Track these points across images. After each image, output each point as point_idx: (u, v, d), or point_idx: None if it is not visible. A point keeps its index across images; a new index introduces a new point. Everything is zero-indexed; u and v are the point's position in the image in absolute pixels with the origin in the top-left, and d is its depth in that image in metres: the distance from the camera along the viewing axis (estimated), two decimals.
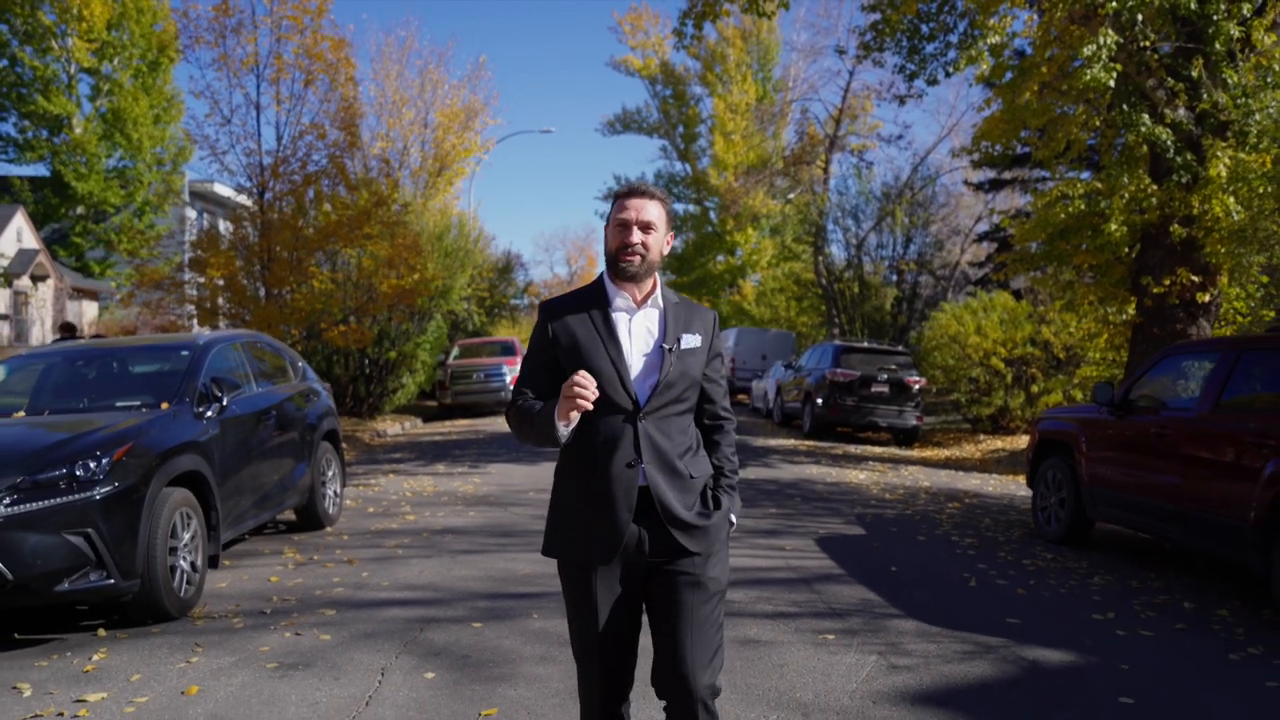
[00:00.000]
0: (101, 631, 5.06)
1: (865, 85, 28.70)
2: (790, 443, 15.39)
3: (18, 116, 30.02)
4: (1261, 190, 8.85)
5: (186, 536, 5.41)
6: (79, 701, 4.01)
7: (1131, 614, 5.40)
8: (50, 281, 28.23)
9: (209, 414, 5.98)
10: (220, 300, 15.43)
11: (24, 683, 4.25)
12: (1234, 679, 4.34)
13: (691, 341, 2.57)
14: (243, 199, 17.02)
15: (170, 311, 15.66)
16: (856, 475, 11.47)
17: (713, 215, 48.11)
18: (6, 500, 4.55)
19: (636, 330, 2.56)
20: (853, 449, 15.07)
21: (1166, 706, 3.97)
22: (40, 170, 31.00)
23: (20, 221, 26.99)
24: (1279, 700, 4.07)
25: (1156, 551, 7.30)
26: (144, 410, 5.73)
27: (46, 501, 4.64)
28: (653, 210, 2.56)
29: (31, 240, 27.46)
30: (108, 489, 4.83)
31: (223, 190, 34.05)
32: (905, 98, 14.29)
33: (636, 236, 2.53)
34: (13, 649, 4.80)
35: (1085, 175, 14.22)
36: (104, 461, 4.87)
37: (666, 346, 2.53)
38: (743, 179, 40.96)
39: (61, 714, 3.88)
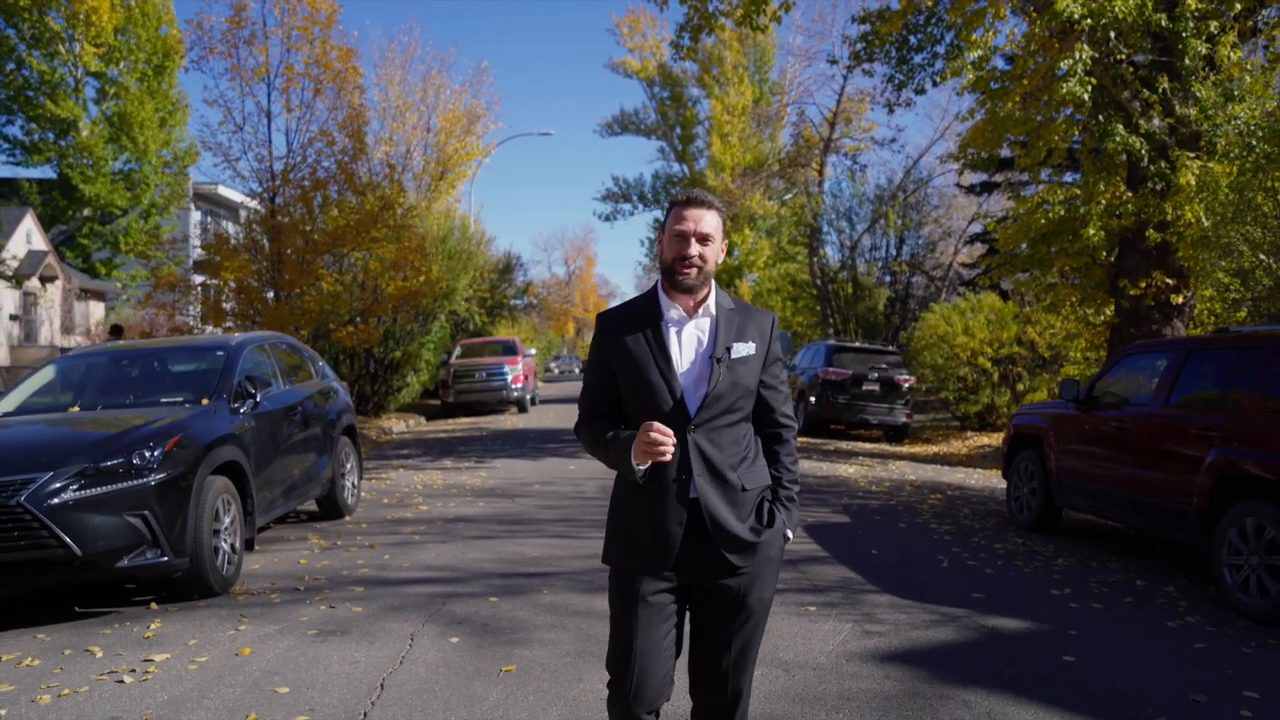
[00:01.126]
0: (154, 605, 5.59)
1: (859, 89, 29.16)
2: None
3: (25, 119, 30.48)
4: (1224, 199, 9.38)
5: (227, 520, 5.95)
6: (147, 661, 4.54)
7: (1087, 590, 5.95)
8: (58, 282, 28.73)
9: (244, 409, 6.51)
10: (231, 302, 15.93)
11: (94, 646, 4.78)
12: (1167, 642, 4.88)
13: (744, 350, 2.54)
14: (250, 202, 17.51)
15: (183, 312, 16.19)
16: (846, 469, 12.02)
17: None
18: (74, 485, 5.08)
19: (687, 340, 2.54)
20: (844, 445, 15.62)
21: (1102, 662, 4.51)
22: (48, 173, 31.47)
23: (29, 223, 27.47)
24: (1202, 657, 4.62)
25: (1120, 538, 7.84)
26: (186, 406, 6.26)
27: (108, 486, 5.17)
28: (711, 221, 2.52)
29: (40, 242, 27.94)
30: (161, 476, 5.36)
31: (226, 192, 34.56)
32: (894, 105, 14.79)
33: (695, 249, 2.50)
34: (77, 620, 5.33)
35: (1073, 177, 14.74)
36: (157, 452, 5.40)
37: (715, 357, 2.50)
38: (740, 180, 41.55)
39: (134, 670, 4.41)
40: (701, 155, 50.70)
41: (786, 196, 34.47)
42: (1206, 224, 9.76)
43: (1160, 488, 6.31)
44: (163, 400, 6.43)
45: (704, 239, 2.51)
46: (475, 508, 8.85)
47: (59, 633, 5.09)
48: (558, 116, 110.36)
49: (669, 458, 2.38)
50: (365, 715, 3.85)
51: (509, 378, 21.52)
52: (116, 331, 15.38)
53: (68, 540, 4.97)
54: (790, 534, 2.64)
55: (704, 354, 2.52)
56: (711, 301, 2.57)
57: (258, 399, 6.64)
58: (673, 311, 2.55)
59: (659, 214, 52.65)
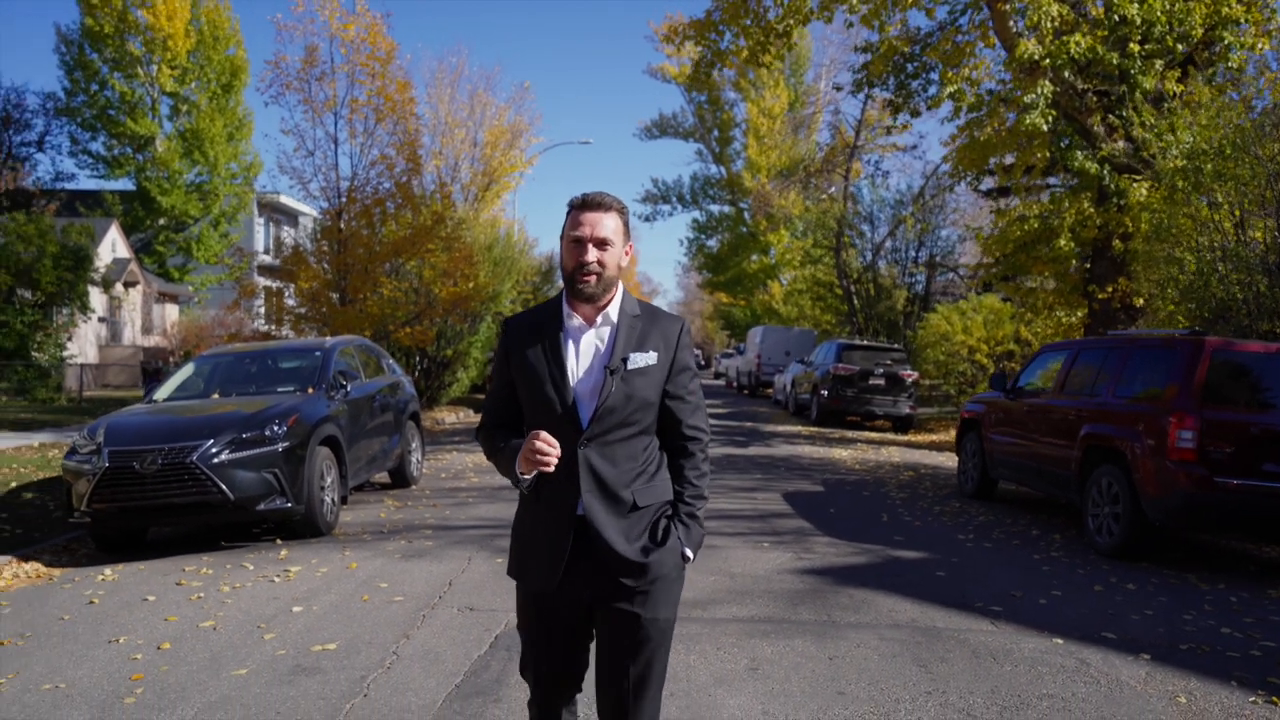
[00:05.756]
0: (278, 541, 7.55)
1: (882, 98, 30.58)
2: (796, 429, 17.66)
3: (107, 136, 33.22)
4: (1147, 221, 10.93)
5: (329, 480, 7.88)
6: (285, 570, 6.47)
7: (988, 537, 7.64)
8: (139, 287, 31.33)
9: (337, 397, 8.44)
10: (304, 307, 18.06)
11: (246, 563, 6.74)
12: (1022, 566, 6.59)
13: (644, 360, 2.42)
14: (309, 209, 19.63)
15: (258, 316, 18.35)
16: (840, 453, 13.72)
17: (747, 216, 50.29)
18: (227, 449, 7.04)
19: (585, 350, 2.44)
20: (850, 434, 17.28)
21: (964, 576, 6.23)
22: (128, 185, 34.21)
23: (114, 233, 30.07)
24: (1040, 575, 6.32)
25: (1041, 504, 9.47)
26: (297, 394, 8.22)
27: (250, 451, 7.12)
28: (609, 224, 2.40)
29: (124, 250, 30.55)
30: (286, 444, 7.30)
31: (287, 200, 37.11)
32: (891, 128, 16.42)
33: (592, 255, 2.38)
34: (226, 550, 7.29)
35: (1065, 188, 16.17)
36: (283, 427, 7.34)
37: (609, 368, 2.39)
38: (775, 181, 43.09)
39: (278, 576, 6.34)
40: (738, 157, 52.30)
41: (822, 197, 35.80)
42: (1140, 243, 11.31)
43: (1054, 458, 7.97)
44: (278, 390, 8.39)
45: (602, 244, 2.40)
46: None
47: (217, 557, 7.05)
48: (598, 120, 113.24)
49: (551, 468, 2.30)
50: (441, 596, 5.73)
51: None
52: (155, 374, 17.47)
53: (224, 488, 6.92)
54: (690, 553, 2.50)
55: (600, 364, 2.42)
56: (614, 308, 2.47)
57: (347, 389, 8.57)
58: (573, 320, 2.46)
59: (698, 214, 54.37)
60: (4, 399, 21.36)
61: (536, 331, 2.48)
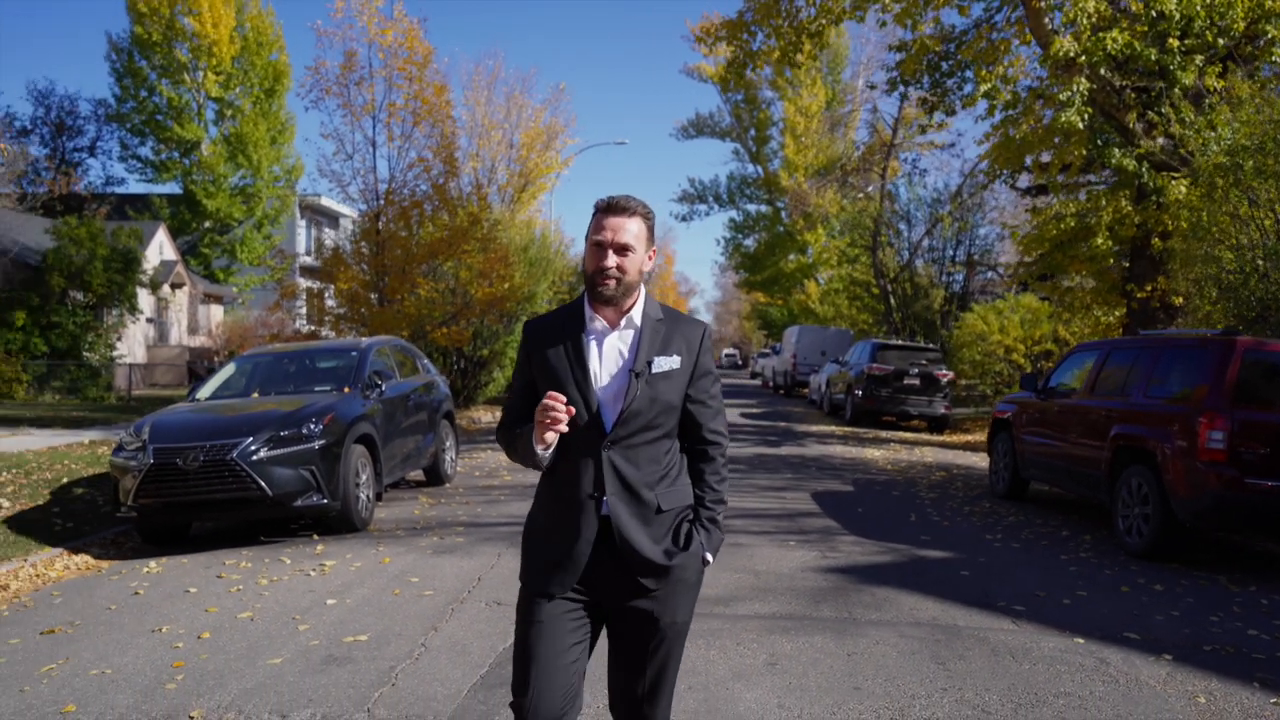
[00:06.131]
0: (315, 536, 7.75)
1: (917, 96, 30.35)
2: (830, 428, 17.63)
3: (155, 141, 34.08)
4: (1191, 217, 10.78)
5: (364, 477, 8.08)
6: (320, 565, 6.66)
7: (1016, 537, 7.62)
8: (185, 288, 32.03)
9: (372, 396, 8.64)
10: (343, 308, 18.40)
11: (283, 557, 6.95)
12: (1048, 566, 6.57)
13: (668, 364, 2.45)
14: (349, 211, 19.98)
15: (299, 317, 18.72)
16: (873, 453, 13.69)
17: (784, 215, 50.13)
18: (266, 447, 7.25)
19: (608, 353, 2.46)
20: (884, 434, 17.22)
21: (988, 575, 6.24)
22: (174, 189, 35.04)
23: (162, 236, 30.79)
24: (1066, 575, 6.30)
25: (1078, 507, 9.40)
26: (333, 393, 8.43)
27: (288, 448, 7.32)
28: (631, 229, 2.42)
29: (171, 252, 31.27)
30: (322, 441, 7.50)
31: (327, 202, 37.72)
32: (926, 126, 16.31)
33: (611, 260, 2.40)
34: (264, 545, 7.52)
35: (1100, 183, 15.98)
36: (319, 425, 7.54)
37: (634, 371, 2.41)
38: (812, 180, 42.91)
39: (314, 570, 6.53)
40: (775, 156, 52.14)
41: (859, 196, 35.58)
42: (1179, 241, 11.15)
43: (1084, 458, 7.92)
44: (315, 389, 8.61)
45: (623, 249, 2.41)
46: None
47: (256, 552, 7.27)
48: (634, 120, 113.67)
49: (564, 425, 2.31)
50: (470, 591, 5.87)
51: None
52: (209, 373, 18.05)
53: (262, 484, 7.14)
54: (710, 557, 2.52)
55: (624, 368, 2.44)
56: (637, 312, 2.49)
57: (382, 389, 8.77)
58: (596, 323, 2.47)
59: (734, 214, 54.33)
60: (57, 398, 22.02)
61: (559, 333, 2.48)
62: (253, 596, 5.88)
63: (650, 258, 2.49)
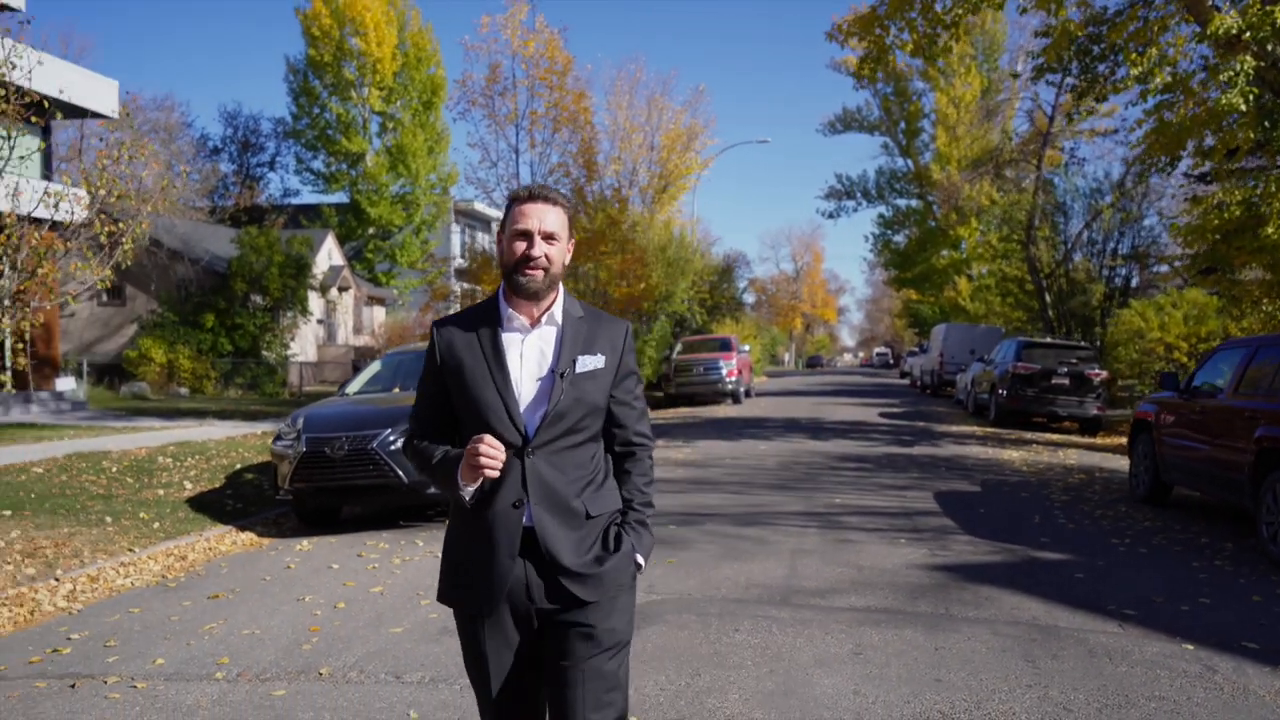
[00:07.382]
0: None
1: (1070, 83, 28.80)
2: (970, 429, 17.12)
3: (325, 154, 36.67)
4: None
5: None
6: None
7: (1146, 542, 7.31)
8: (351, 291, 34.30)
9: None
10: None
11: (418, 540, 7.54)
12: (1173, 573, 6.29)
13: (592, 363, 2.33)
14: (498, 214, 20.93)
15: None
16: (1010, 454, 13.25)
17: (935, 210, 48.55)
18: (402, 437, 7.85)
19: (529, 353, 2.32)
20: (1028, 435, 16.56)
21: (1103, 580, 6.05)
22: (341, 198, 37.60)
23: (330, 243, 33.10)
24: (1193, 583, 6.03)
25: (1223, 512, 8.83)
26: None
27: None
28: (555, 218, 2.31)
29: (338, 258, 33.57)
30: None
31: (480, 207, 39.43)
32: (1072, 115, 15.57)
33: (539, 249, 2.28)
34: (402, 529, 8.16)
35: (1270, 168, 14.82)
36: None
37: (558, 371, 2.28)
38: (965, 172, 41.42)
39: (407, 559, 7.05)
40: (926, 149, 50.62)
41: (1013, 188, 34.12)
42: None
43: (1227, 461, 7.49)
44: None
45: (549, 237, 2.30)
46: (674, 473, 11.15)
47: (394, 535, 7.90)
48: (778, 117, 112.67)
49: (496, 474, 2.17)
50: None
51: (724, 371, 23.80)
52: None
53: (399, 472, 7.75)
54: (642, 560, 2.38)
55: (546, 368, 2.31)
56: (558, 309, 2.36)
57: None
58: (514, 320, 2.33)
59: (883, 209, 53.06)
60: (240, 393, 24.15)
61: (474, 333, 2.33)
62: (386, 574, 6.44)
63: (569, 250, 2.39)
